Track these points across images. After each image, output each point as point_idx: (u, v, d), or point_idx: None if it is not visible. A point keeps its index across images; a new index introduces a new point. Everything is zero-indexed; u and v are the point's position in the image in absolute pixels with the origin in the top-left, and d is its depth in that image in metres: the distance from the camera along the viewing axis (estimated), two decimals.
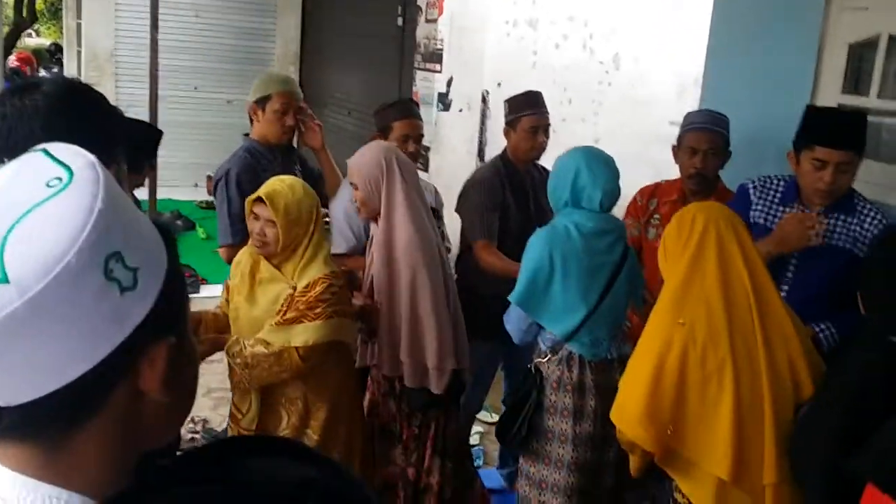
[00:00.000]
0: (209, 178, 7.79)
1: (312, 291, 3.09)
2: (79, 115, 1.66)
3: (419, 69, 7.09)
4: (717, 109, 3.78)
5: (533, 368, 3.33)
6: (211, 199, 6.72)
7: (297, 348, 3.06)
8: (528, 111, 4.10)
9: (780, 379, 2.56)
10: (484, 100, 7.02)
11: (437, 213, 4.13)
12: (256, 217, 3.15)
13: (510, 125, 4.15)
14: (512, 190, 4.14)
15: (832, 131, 3.02)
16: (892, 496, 1.93)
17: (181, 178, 7.99)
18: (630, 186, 4.24)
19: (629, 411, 2.65)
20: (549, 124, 4.14)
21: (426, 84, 7.00)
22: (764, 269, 2.67)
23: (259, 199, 3.12)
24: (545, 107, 4.17)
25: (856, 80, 3.56)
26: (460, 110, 6.97)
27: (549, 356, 3.29)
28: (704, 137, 3.63)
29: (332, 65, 8.83)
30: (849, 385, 2.39)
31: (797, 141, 3.11)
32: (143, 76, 6.86)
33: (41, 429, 0.84)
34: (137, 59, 7.90)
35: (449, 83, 6.86)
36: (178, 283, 0.94)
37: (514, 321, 3.32)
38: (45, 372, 0.81)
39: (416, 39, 7.11)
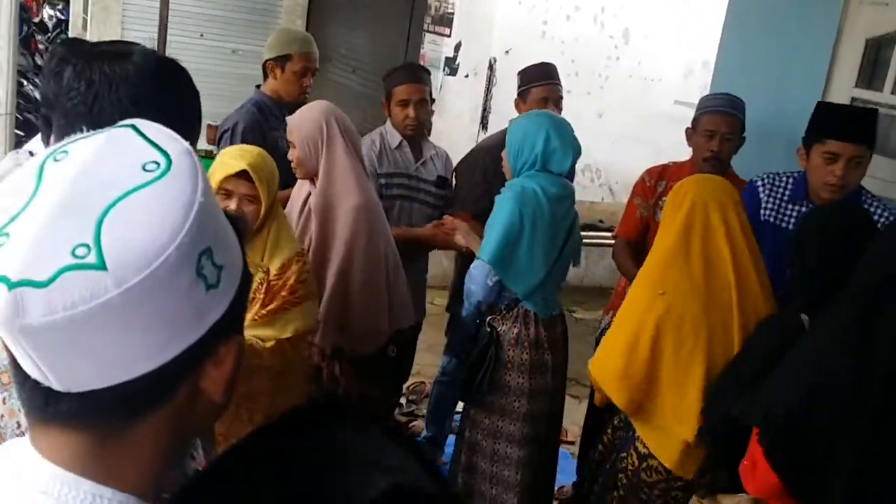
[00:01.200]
0: (210, 126, 7.73)
1: (289, 273, 2.79)
2: (167, 91, 1.60)
3: (428, 32, 7.05)
4: None
5: (488, 326, 3.39)
6: (211, 147, 6.66)
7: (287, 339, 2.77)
8: (539, 82, 4.07)
9: None
10: (491, 67, 7.00)
11: (445, 182, 4.13)
12: (228, 194, 2.74)
13: (521, 96, 4.13)
14: None
15: (844, 125, 3.03)
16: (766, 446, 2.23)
17: None
18: (629, 162, 4.26)
19: (607, 371, 2.83)
20: (560, 97, 4.11)
21: (434, 47, 6.96)
22: (745, 250, 2.77)
23: (237, 174, 2.72)
24: (558, 79, 4.14)
25: (870, 74, 3.56)
26: (466, 76, 6.94)
27: (504, 313, 3.38)
28: (723, 120, 3.56)
29: (339, 19, 8.73)
30: (755, 349, 2.64)
31: (807, 137, 3.11)
32: (149, 20, 6.77)
33: (101, 418, 0.80)
34: (145, 0, 7.80)
35: (457, 48, 6.82)
36: (248, 282, 0.90)
37: (478, 279, 3.32)
38: (117, 363, 0.77)
39: (427, 1, 7.06)
